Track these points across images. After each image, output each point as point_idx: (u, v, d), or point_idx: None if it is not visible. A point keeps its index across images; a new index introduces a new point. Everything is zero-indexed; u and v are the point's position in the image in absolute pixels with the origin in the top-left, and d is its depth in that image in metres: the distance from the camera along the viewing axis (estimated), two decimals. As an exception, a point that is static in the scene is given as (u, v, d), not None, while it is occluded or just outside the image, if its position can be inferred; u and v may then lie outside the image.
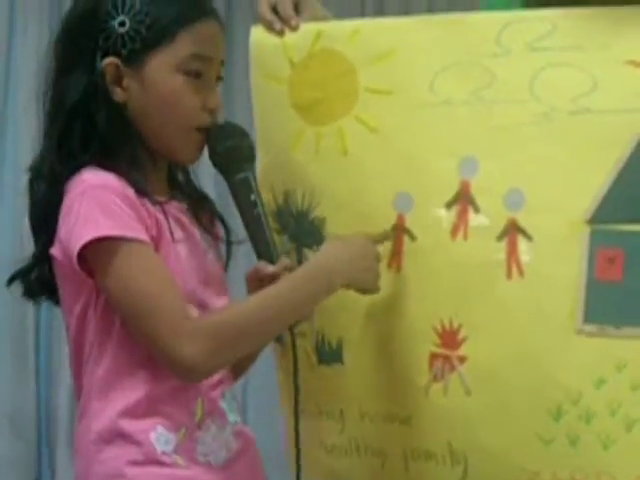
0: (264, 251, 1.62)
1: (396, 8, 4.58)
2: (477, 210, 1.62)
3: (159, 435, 1.52)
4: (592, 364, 1.54)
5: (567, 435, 1.55)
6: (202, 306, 1.58)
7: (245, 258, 1.71)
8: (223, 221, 1.70)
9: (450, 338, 1.63)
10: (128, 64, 1.56)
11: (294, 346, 1.63)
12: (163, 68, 1.56)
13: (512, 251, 1.59)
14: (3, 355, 4.38)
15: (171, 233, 1.55)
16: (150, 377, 1.53)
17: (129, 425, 1.52)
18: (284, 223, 1.76)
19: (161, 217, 1.55)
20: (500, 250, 1.59)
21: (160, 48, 1.56)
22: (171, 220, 1.56)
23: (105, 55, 1.55)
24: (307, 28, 1.73)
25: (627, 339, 1.53)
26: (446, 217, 1.63)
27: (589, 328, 1.55)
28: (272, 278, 1.58)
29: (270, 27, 1.74)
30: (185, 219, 1.61)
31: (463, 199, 1.62)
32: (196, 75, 1.58)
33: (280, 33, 1.74)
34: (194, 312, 1.55)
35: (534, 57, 1.60)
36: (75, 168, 1.53)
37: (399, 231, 1.67)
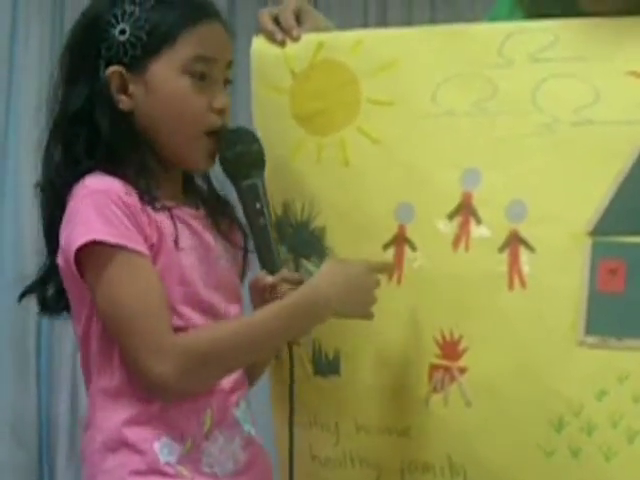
0: (266, 261, 1.61)
1: (399, 19, 4.58)
2: (479, 221, 1.61)
3: (163, 445, 1.52)
4: (594, 376, 1.54)
5: (569, 447, 1.54)
6: (210, 312, 1.57)
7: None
8: (242, 228, 1.68)
9: (451, 349, 1.63)
10: (132, 71, 1.56)
11: (291, 358, 1.60)
12: (166, 72, 1.56)
13: (514, 262, 1.59)
14: (4, 363, 4.38)
15: (176, 240, 1.54)
16: None
17: (133, 434, 1.51)
18: (282, 233, 1.76)
19: (165, 223, 1.54)
20: (502, 261, 1.59)
21: (162, 52, 1.56)
22: (179, 225, 1.55)
23: (108, 64, 1.56)
24: (309, 39, 1.73)
25: (629, 351, 1.52)
26: (448, 228, 1.63)
27: (591, 340, 1.54)
28: (271, 288, 1.58)
29: (271, 38, 1.74)
30: (197, 225, 1.60)
31: (465, 210, 1.62)
32: (201, 77, 1.57)
33: (281, 44, 1.74)
34: (197, 318, 1.54)
35: (536, 68, 1.60)
36: (80, 174, 1.53)
37: (400, 241, 1.67)
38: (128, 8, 1.56)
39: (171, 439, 1.52)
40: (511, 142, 1.61)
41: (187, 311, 1.54)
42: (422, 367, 1.65)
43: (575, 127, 1.57)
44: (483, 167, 1.62)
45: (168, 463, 1.51)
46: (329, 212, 1.72)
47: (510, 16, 1.78)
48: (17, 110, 4.40)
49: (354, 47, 1.71)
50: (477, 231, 1.62)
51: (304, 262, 1.74)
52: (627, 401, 1.52)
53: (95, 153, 1.54)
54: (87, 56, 1.57)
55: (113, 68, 1.56)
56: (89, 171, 1.53)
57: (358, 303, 1.59)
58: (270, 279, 1.59)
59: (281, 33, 1.74)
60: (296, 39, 1.73)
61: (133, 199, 1.51)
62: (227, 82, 1.62)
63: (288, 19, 1.74)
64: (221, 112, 1.59)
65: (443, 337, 1.63)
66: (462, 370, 1.62)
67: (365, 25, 4.48)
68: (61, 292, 1.58)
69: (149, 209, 1.53)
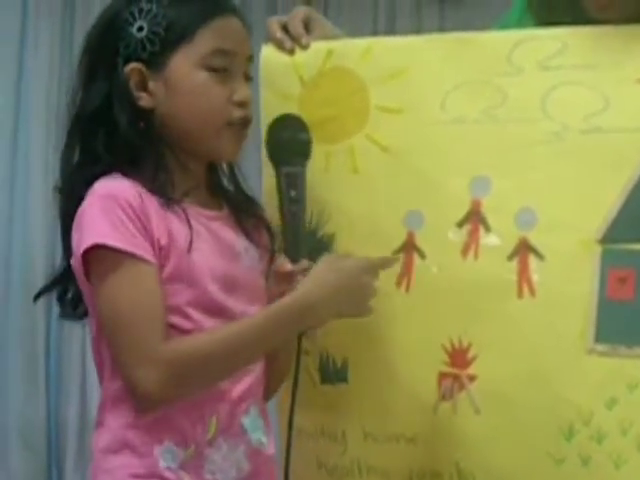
0: (289, 248, 1.60)
1: (408, 26, 4.59)
2: (488, 229, 1.61)
3: (165, 449, 1.52)
4: (604, 384, 1.53)
5: (579, 455, 1.54)
6: (221, 314, 1.55)
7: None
8: (269, 228, 1.67)
9: (460, 357, 1.63)
10: (151, 68, 1.56)
11: (298, 364, 1.59)
12: (185, 66, 1.56)
13: (523, 270, 1.59)
14: (14, 366, 4.39)
15: (189, 240, 1.53)
16: None
17: (136, 437, 1.52)
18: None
19: (179, 224, 1.53)
20: (511, 269, 1.59)
21: (180, 47, 1.56)
22: (195, 226, 1.54)
23: (127, 62, 1.56)
24: (318, 46, 1.74)
25: (639, 359, 1.52)
26: (457, 236, 1.63)
27: (601, 348, 1.54)
28: (288, 277, 1.57)
29: (280, 46, 1.75)
30: (216, 224, 1.59)
31: (474, 218, 1.62)
32: (220, 70, 1.57)
33: (290, 52, 1.74)
34: (206, 320, 1.53)
35: (545, 76, 1.60)
36: (98, 174, 1.52)
37: (409, 249, 1.67)
38: (145, 5, 1.57)
39: (174, 444, 1.52)
40: (520, 150, 1.61)
41: (196, 314, 1.53)
42: (431, 375, 1.64)
43: (584, 135, 1.57)
44: (492, 175, 1.62)
45: (169, 468, 1.52)
46: (338, 219, 1.72)
47: (520, 23, 1.78)
48: (27, 113, 4.42)
49: (363, 55, 1.71)
50: (486, 239, 1.62)
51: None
52: (637, 409, 1.52)
53: (114, 151, 1.54)
54: (105, 55, 1.57)
55: (132, 65, 1.56)
56: (108, 170, 1.53)
57: (352, 301, 1.57)
58: (289, 267, 1.59)
59: (290, 41, 1.74)
60: (305, 47, 1.74)
61: (144, 202, 1.50)
62: (247, 77, 1.61)
63: (297, 27, 1.74)
64: (242, 105, 1.58)
65: (452, 345, 1.63)
66: (471, 378, 1.62)
67: (374, 33, 4.48)
68: (80, 296, 1.58)
69: (163, 209, 1.52)
